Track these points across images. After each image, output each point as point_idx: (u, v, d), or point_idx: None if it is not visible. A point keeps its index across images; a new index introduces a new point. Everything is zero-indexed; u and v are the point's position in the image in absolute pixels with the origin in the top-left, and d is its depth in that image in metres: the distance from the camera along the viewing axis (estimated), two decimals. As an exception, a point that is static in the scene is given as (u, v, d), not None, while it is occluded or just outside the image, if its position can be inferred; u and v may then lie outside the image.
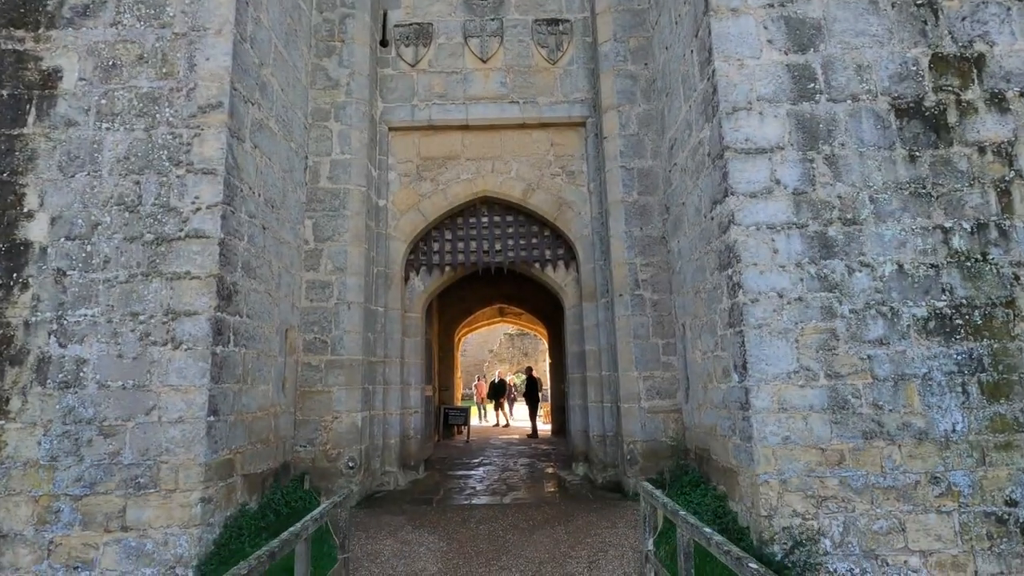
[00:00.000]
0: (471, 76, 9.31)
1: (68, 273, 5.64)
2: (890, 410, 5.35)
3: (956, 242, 5.62)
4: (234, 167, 6.06)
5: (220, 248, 5.73)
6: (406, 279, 9.38)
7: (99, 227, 5.73)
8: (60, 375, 5.45)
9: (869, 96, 5.90)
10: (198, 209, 5.78)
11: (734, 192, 5.77)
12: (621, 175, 8.34)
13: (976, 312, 5.49)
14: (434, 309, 11.77)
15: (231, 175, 5.99)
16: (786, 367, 5.44)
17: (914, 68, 5.96)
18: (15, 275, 5.61)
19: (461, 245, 9.47)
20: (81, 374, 5.46)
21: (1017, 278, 5.53)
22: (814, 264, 5.61)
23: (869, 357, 5.45)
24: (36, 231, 5.71)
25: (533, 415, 16.30)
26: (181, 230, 5.74)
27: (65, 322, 5.54)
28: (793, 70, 5.97)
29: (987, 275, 5.56)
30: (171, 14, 6.12)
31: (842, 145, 5.81)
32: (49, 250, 5.68)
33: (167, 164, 5.86)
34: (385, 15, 9.40)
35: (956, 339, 5.45)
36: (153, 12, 6.13)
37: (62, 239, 5.70)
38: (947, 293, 5.53)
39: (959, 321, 5.48)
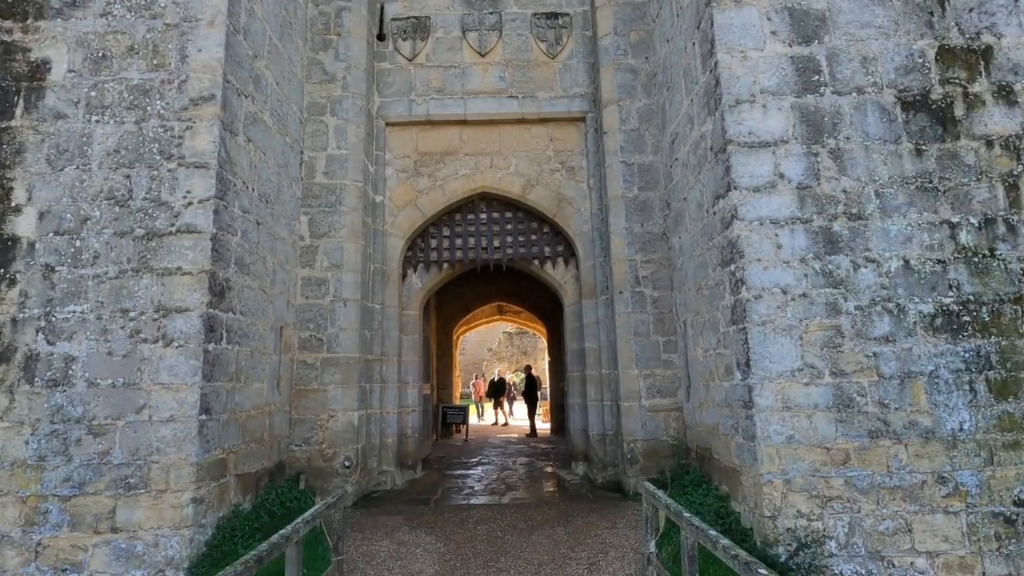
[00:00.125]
0: (469, 70, 9.19)
1: (57, 269, 5.51)
2: (896, 408, 5.25)
3: (963, 237, 5.52)
4: (227, 161, 5.93)
5: (212, 243, 5.61)
6: (403, 276, 9.26)
7: (88, 222, 5.61)
8: (48, 373, 5.33)
9: (875, 89, 5.79)
10: (190, 203, 5.65)
11: (737, 186, 5.66)
12: (621, 170, 8.23)
13: (984, 309, 5.38)
14: (432, 307, 11.65)
15: (224, 169, 5.87)
16: (790, 365, 5.33)
17: (920, 60, 5.85)
18: (2, 271, 5.49)
19: (459, 242, 9.35)
20: (70, 372, 5.34)
21: (1026, 274, 5.43)
22: (819, 260, 5.50)
23: (875, 355, 5.34)
24: (24, 226, 5.58)
25: (532, 414, 16.19)
26: (172, 225, 5.62)
27: (53, 319, 5.42)
28: (797, 62, 5.86)
29: (995, 271, 5.45)
30: (162, 4, 6.00)
31: (847, 139, 5.70)
32: (37, 245, 5.55)
33: (158, 158, 5.73)
34: (382, 8, 9.27)
35: (963, 336, 5.34)
36: (144, 2, 6.00)
37: (50, 234, 5.58)
38: (954, 289, 5.42)
39: (966, 318, 5.38)
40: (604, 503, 7.30)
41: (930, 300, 5.41)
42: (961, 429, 5.20)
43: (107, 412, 5.29)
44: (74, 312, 5.44)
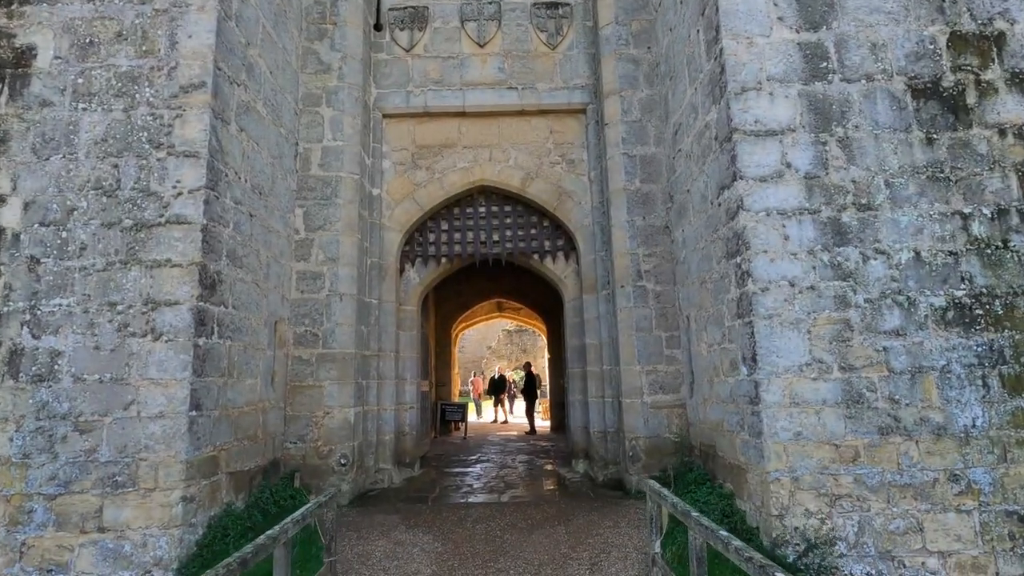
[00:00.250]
0: (468, 61, 9.02)
1: (42, 261, 5.35)
2: (907, 404, 5.10)
3: (976, 228, 5.36)
4: (218, 150, 5.77)
5: (203, 235, 5.45)
6: (401, 271, 9.09)
7: (75, 212, 5.44)
8: (33, 368, 5.17)
9: (884, 76, 5.63)
10: (180, 194, 5.49)
11: (743, 176, 5.50)
12: (623, 162, 8.06)
13: (997, 302, 5.23)
14: (430, 303, 11.48)
15: (215, 158, 5.70)
16: (798, 359, 5.18)
17: (931, 47, 5.69)
18: (-14, 263, 5.32)
19: (458, 236, 9.19)
20: (56, 367, 5.18)
21: (1040, 266, 5.28)
22: (827, 251, 5.34)
23: (885, 349, 5.19)
24: (8, 217, 5.42)
25: (531, 411, 16.04)
26: (161, 215, 5.45)
27: (39, 312, 5.26)
28: (805, 48, 5.70)
29: (1008, 263, 5.30)
30: (151, -11, 5.82)
31: (856, 127, 5.54)
32: (22, 236, 5.39)
33: (147, 147, 5.56)
34: (379, -2, 9.09)
35: (976, 330, 5.19)
36: (132, -13, 5.82)
37: (36, 225, 5.41)
38: (966, 282, 5.27)
39: (979, 311, 5.22)
40: (605, 501, 7.15)
41: (942, 293, 5.26)
42: (974, 425, 5.05)
43: (94, 408, 5.13)
44: (60, 305, 5.27)
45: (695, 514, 3.23)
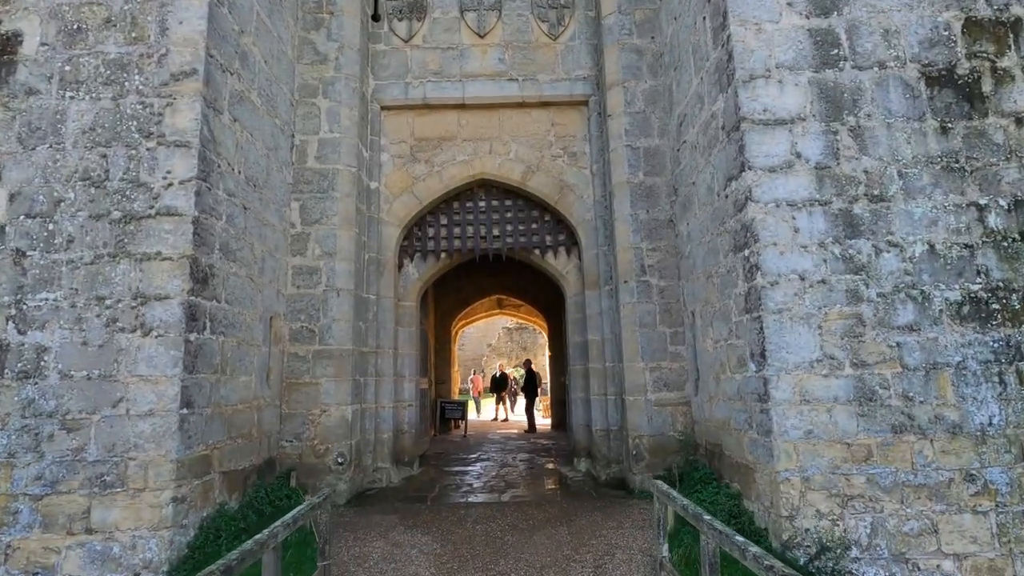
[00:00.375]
0: (468, 52, 8.83)
1: (28, 254, 5.18)
2: (921, 402, 4.94)
3: (992, 220, 5.19)
4: (210, 140, 5.59)
5: (194, 227, 5.28)
6: (399, 266, 8.92)
7: (62, 204, 5.27)
8: (19, 364, 5.01)
9: (897, 63, 5.46)
10: (170, 184, 5.32)
11: (751, 166, 5.33)
12: (626, 154, 7.89)
13: (1014, 296, 5.06)
14: (430, 299, 11.31)
15: (207, 148, 5.53)
16: (808, 355, 5.02)
17: (946, 33, 5.51)
18: (-31, 256, 5.15)
19: (457, 230, 9.01)
20: (42, 363, 5.02)
21: (1059, 259, 5.11)
22: (838, 244, 5.18)
23: (898, 344, 5.02)
24: (-7, 208, 5.25)
25: (531, 409, 15.87)
26: (151, 207, 5.28)
27: (25, 307, 5.09)
28: (815, 35, 5.52)
29: (1026, 256, 5.13)
30: (141, -26, 5.64)
31: (868, 116, 5.37)
32: (7, 229, 5.22)
33: (136, 136, 5.39)
34: (377, -12, 8.90)
35: (992, 325, 5.03)
36: (121, -29, 5.64)
37: (22, 217, 5.24)
38: (982, 275, 5.10)
39: (995, 306, 5.06)
40: (608, 501, 6.99)
41: (957, 287, 5.09)
42: (990, 423, 4.89)
43: (82, 406, 4.97)
44: (47, 300, 5.11)
45: (707, 517, 3.06)
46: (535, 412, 16.02)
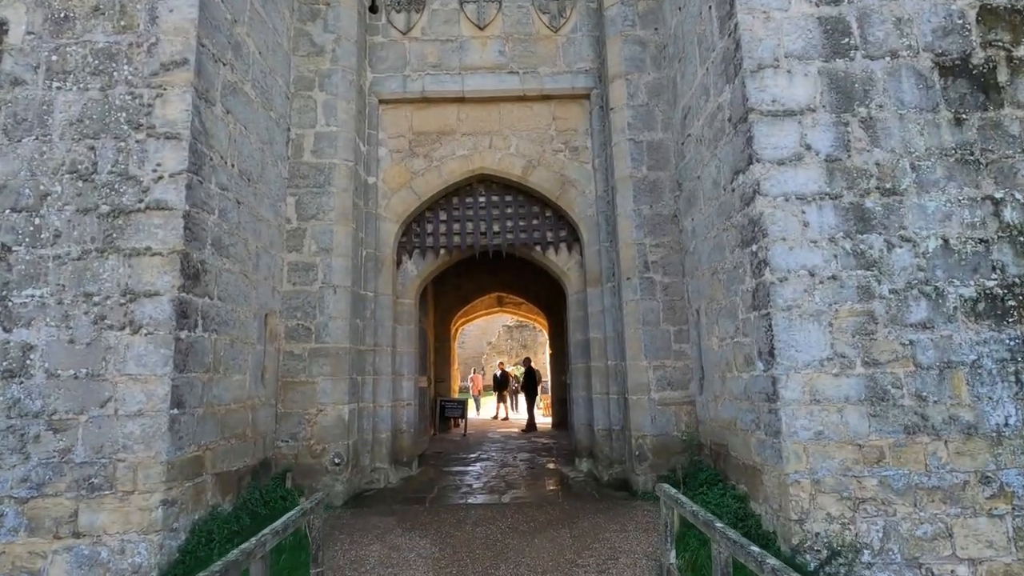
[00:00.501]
0: (467, 44, 8.66)
1: (14, 249, 5.02)
2: (935, 402, 4.78)
3: (1008, 214, 5.03)
4: (201, 132, 5.43)
5: (185, 221, 5.12)
6: (398, 263, 8.76)
7: (49, 197, 5.11)
8: (4, 363, 4.85)
9: (910, 52, 5.29)
10: (160, 178, 5.16)
11: (759, 159, 5.17)
12: (629, 148, 7.72)
13: (1031, 292, 4.90)
14: (429, 296, 11.15)
15: (198, 140, 5.36)
16: (818, 354, 4.86)
17: (960, 21, 5.34)
18: (-47, 251, 4.99)
19: (457, 227, 8.85)
20: (28, 362, 4.86)
21: (1077, 254, 4.95)
22: (849, 239, 5.02)
23: (911, 343, 4.87)
24: (-23, 202, 5.08)
25: (531, 408, 15.72)
26: (141, 201, 5.12)
27: (10, 304, 4.93)
28: (825, 23, 5.36)
29: (1043, 251, 4.97)
30: (130, -40, 5.47)
31: (880, 107, 5.21)
32: (-8, 223, 5.06)
33: (125, 128, 5.23)
34: (375, -21, 8.73)
35: (1008, 322, 4.87)
36: (110, -42, 5.47)
37: (7, 211, 5.08)
38: (998, 271, 4.94)
39: (1012, 302, 4.90)
40: (611, 503, 6.85)
41: (972, 283, 4.93)
42: (1006, 424, 4.74)
43: (69, 406, 4.81)
44: (32, 296, 4.95)
45: (720, 525, 2.91)
46: (535, 411, 15.86)
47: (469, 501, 7.27)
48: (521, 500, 7.22)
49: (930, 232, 5.02)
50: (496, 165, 8.62)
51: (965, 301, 4.91)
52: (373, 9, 8.68)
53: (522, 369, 18.48)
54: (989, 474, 4.67)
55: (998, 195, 5.06)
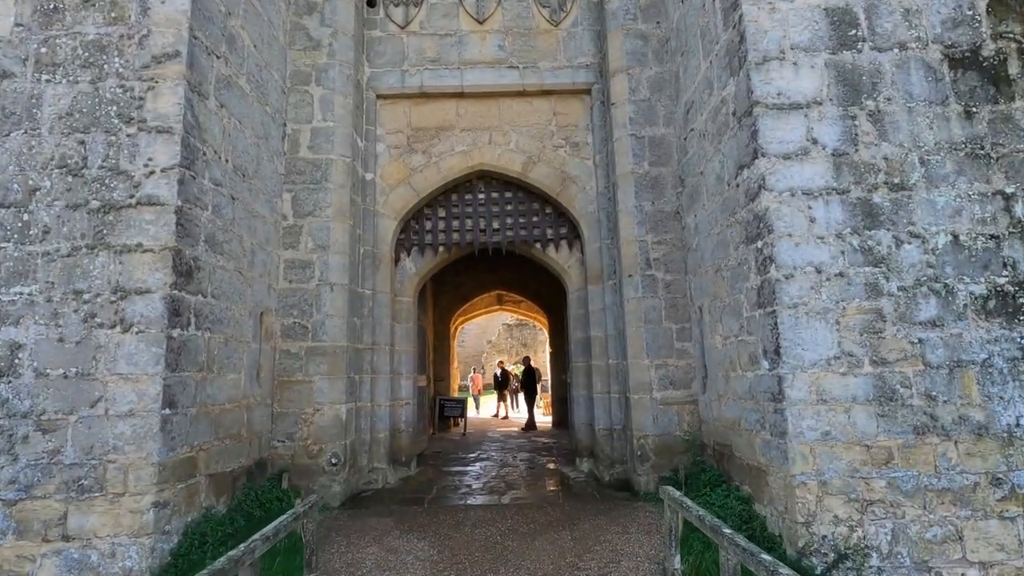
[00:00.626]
0: (466, 39, 8.54)
1: (1, 245, 4.90)
2: (944, 401, 4.67)
3: (1019, 210, 4.92)
4: (194, 126, 5.31)
5: (177, 217, 5.00)
6: (396, 260, 8.64)
7: (38, 193, 5.00)
8: (-8, 362, 4.74)
9: (919, 44, 5.17)
10: (152, 172, 5.04)
11: (765, 153, 5.05)
12: (631, 144, 7.60)
13: (1043, 289, 4.79)
14: (428, 295, 11.03)
15: (190, 135, 5.25)
16: (825, 352, 4.75)
17: (969, 12, 5.23)
18: (-61, 247, 4.88)
19: (456, 223, 8.73)
20: (16, 361, 4.75)
21: (1090, 250, 4.84)
22: (857, 235, 4.90)
23: (920, 341, 4.76)
24: (-36, 197, 4.97)
25: (531, 407, 15.61)
26: (132, 196, 5.01)
27: (-2, 301, 4.82)
28: (832, 14, 5.24)
29: (1055, 247, 4.85)
30: (121, -50, 5.35)
31: (888, 100, 5.09)
32: (-20, 219, 4.94)
33: (116, 121, 5.11)
34: (372, -28, 8.60)
35: (1020, 320, 4.76)
36: (100, -52, 5.35)
37: (-5, 206, 4.96)
38: (1009, 268, 4.83)
39: (1023, 300, 4.79)
40: (613, 504, 6.74)
41: (982, 280, 4.82)
42: (1018, 424, 4.63)
43: (58, 406, 4.70)
44: (21, 294, 4.83)
45: (728, 531, 2.80)
46: (536, 410, 15.76)
47: (468, 502, 7.16)
48: (521, 501, 7.12)
49: (939, 228, 4.91)
50: (496, 161, 8.50)
51: (975, 298, 4.80)
52: (371, 3, 8.55)
53: (522, 368, 18.39)
54: (1000, 476, 4.57)
55: (1009, 190, 4.95)
